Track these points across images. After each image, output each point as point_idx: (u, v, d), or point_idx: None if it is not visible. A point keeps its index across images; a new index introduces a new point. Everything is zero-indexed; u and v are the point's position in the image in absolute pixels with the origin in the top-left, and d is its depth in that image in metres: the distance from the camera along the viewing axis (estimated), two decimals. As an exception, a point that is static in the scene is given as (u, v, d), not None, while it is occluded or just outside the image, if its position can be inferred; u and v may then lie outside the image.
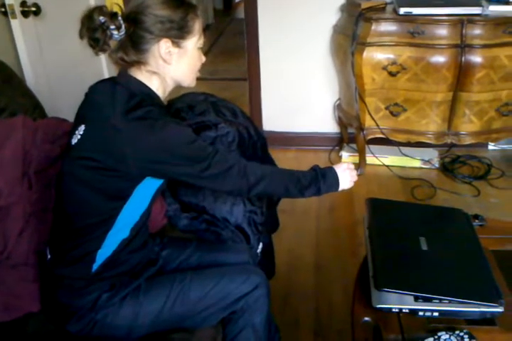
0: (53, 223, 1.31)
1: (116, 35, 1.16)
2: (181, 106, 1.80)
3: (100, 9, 1.15)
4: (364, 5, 2.48)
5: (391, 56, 2.45)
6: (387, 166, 2.91)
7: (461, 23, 2.36)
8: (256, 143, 1.79)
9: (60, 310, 1.28)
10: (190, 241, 1.50)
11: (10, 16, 2.06)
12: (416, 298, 1.20)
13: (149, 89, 1.23)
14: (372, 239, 1.36)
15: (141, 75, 1.22)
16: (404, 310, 1.20)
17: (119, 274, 1.27)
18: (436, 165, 2.92)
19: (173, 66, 1.22)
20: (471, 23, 2.36)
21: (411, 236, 1.35)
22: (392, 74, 2.47)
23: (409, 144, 2.82)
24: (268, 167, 1.37)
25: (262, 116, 3.19)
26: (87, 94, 1.28)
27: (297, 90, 3.09)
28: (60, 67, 2.23)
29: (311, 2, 2.80)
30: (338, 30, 2.74)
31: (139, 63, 1.21)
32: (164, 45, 1.18)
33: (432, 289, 1.20)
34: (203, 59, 1.29)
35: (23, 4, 2.03)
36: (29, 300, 1.34)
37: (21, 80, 1.72)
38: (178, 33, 1.19)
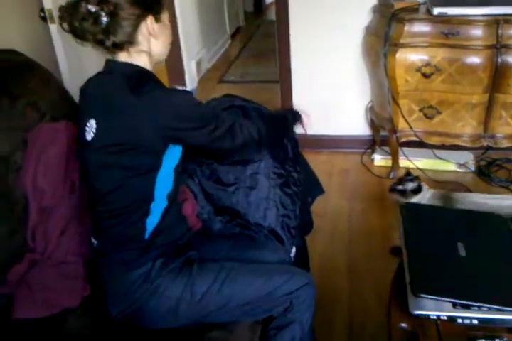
0: (93, 214, 1.35)
1: (105, 20, 1.19)
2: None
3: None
4: (397, 5, 2.45)
5: (425, 57, 2.42)
6: (421, 169, 2.86)
7: (496, 23, 2.31)
8: (287, 146, 1.78)
9: (108, 294, 1.30)
10: (227, 239, 1.52)
11: (48, 21, 2.12)
12: (454, 305, 1.18)
13: (142, 67, 1.28)
14: (408, 244, 1.34)
15: (129, 57, 1.28)
16: (442, 317, 1.18)
17: (168, 243, 1.31)
18: (472, 169, 2.86)
19: (158, 41, 1.29)
20: (508, 23, 2.30)
21: (448, 241, 1.33)
22: (425, 75, 2.44)
23: (442, 147, 2.77)
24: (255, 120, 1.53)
25: (294, 118, 3.19)
26: (83, 90, 1.32)
27: (329, 92, 3.07)
28: (95, 66, 2.27)
29: (343, 3, 2.78)
30: (370, 32, 2.72)
31: (128, 44, 1.25)
32: (150, 22, 1.25)
33: (470, 296, 1.18)
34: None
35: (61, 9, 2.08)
36: (68, 296, 1.38)
37: (61, 84, 1.76)
38: (157, 8, 1.27)
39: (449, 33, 2.35)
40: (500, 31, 2.31)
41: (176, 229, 1.35)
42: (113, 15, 1.19)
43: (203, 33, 4.62)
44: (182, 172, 1.38)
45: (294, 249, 1.65)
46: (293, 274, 1.37)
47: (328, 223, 2.47)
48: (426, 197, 1.98)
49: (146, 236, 1.29)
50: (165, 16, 1.30)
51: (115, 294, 1.29)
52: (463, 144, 2.65)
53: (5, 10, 2.02)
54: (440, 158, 2.86)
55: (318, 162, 2.94)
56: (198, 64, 4.45)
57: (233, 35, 5.94)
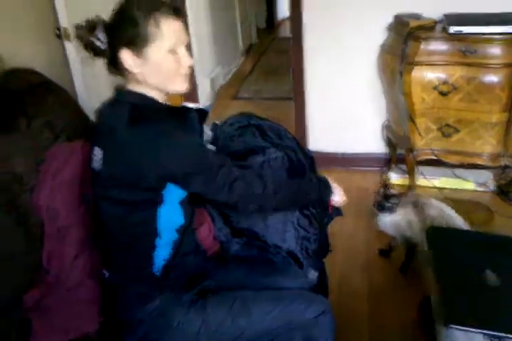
0: (101, 245, 1.34)
1: (102, 47, 1.19)
2: (226, 130, 1.79)
3: (83, 25, 1.18)
4: (413, 24, 2.43)
5: (442, 75, 2.38)
6: (438, 188, 2.81)
7: (515, 41, 2.28)
8: (305, 167, 1.75)
9: (124, 323, 1.28)
10: (243, 264, 1.49)
11: (64, 39, 2.12)
12: (485, 336, 1.13)
13: (146, 96, 1.22)
14: (435, 272, 1.30)
15: (133, 85, 1.23)
16: (472, 349, 1.13)
17: (180, 277, 1.28)
18: (492, 188, 2.81)
19: (146, 75, 1.19)
20: (526, 41, 2.27)
21: (477, 268, 1.29)
22: (443, 93, 2.41)
23: (460, 166, 2.72)
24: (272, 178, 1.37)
25: (308, 136, 3.16)
26: (96, 115, 1.30)
27: (344, 110, 3.05)
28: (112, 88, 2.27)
29: (358, 22, 2.77)
30: (386, 50, 2.70)
31: (123, 75, 1.22)
32: (126, 56, 1.17)
33: (503, 327, 1.13)
34: (187, 62, 1.22)
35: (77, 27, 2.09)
36: (86, 320, 1.36)
37: (76, 103, 1.76)
38: (135, 42, 1.16)
39: (467, 51, 2.32)
40: (518, 50, 2.28)
41: (189, 260, 1.32)
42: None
43: (217, 51, 4.64)
44: (195, 201, 1.33)
45: (316, 273, 1.60)
46: (311, 301, 1.33)
47: (345, 243, 2.42)
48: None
49: (156, 269, 1.26)
50: (155, 49, 1.17)
51: (130, 324, 1.26)
52: (482, 163, 2.60)
53: (21, 27, 2.03)
54: (458, 177, 2.81)
55: (333, 180, 2.91)
56: (212, 81, 4.46)
57: (246, 52, 5.97)
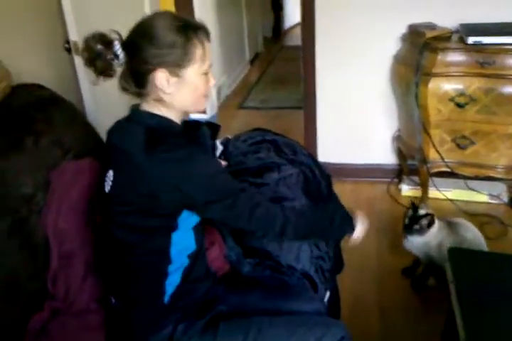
0: (109, 270, 1.28)
1: (116, 63, 1.13)
2: (240, 146, 1.74)
3: (97, 37, 1.12)
4: (429, 34, 2.38)
5: (459, 87, 2.33)
6: (451, 200, 2.75)
7: (534, 52, 2.23)
8: (320, 183, 1.70)
9: None
10: (255, 286, 1.42)
11: (73, 53, 2.08)
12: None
13: (164, 118, 1.18)
14: (460, 295, 1.23)
15: (149, 105, 1.18)
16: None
17: (190, 304, 1.23)
18: (505, 200, 2.75)
19: (174, 95, 1.16)
20: (546, 52, 2.22)
21: (503, 293, 1.22)
22: (459, 105, 2.35)
23: (473, 177, 2.66)
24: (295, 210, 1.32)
25: (318, 146, 3.11)
26: (108, 135, 1.25)
27: (354, 120, 2.99)
28: (123, 104, 2.23)
29: (370, 31, 2.72)
30: (400, 60, 2.64)
31: (142, 94, 1.17)
32: (160, 76, 1.12)
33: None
34: (212, 82, 1.22)
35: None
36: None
37: (85, 119, 1.71)
38: (176, 62, 1.12)
39: (485, 62, 2.27)
40: (537, 60, 2.23)
41: (199, 286, 1.26)
42: (125, 60, 1.14)
43: (224, 60, 4.60)
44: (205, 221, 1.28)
45: (328, 294, 1.55)
46: (328, 328, 1.26)
47: (357, 259, 2.34)
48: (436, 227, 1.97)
49: (166, 298, 1.21)
50: (191, 70, 1.15)
51: None
52: (497, 175, 2.54)
53: (30, 40, 1.99)
54: (472, 189, 2.75)
55: (343, 192, 2.81)
56: (218, 90, 4.42)
57: (252, 61, 5.93)
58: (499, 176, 2.54)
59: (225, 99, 4.69)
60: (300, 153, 1.73)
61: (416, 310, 2.04)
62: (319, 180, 1.67)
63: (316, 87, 2.93)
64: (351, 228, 1.33)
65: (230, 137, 1.88)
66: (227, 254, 1.55)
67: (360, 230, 1.34)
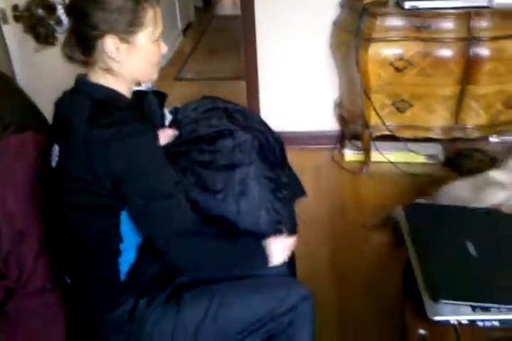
0: (60, 249, 1.24)
1: (59, 29, 1.08)
2: (190, 114, 1.71)
3: (37, 1, 1.06)
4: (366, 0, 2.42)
5: (398, 51, 2.40)
6: (392, 163, 2.86)
7: (467, 15, 2.32)
8: (275, 148, 1.71)
9: (93, 330, 1.20)
10: None
11: (1, 22, 1.95)
12: (473, 308, 1.14)
13: (110, 90, 1.14)
14: (416, 246, 1.30)
15: (97, 75, 1.13)
16: (462, 321, 1.14)
17: (149, 279, 1.21)
18: (441, 160, 2.89)
19: (125, 63, 1.11)
20: (478, 15, 2.32)
21: (457, 241, 1.30)
22: (398, 69, 2.42)
23: (413, 139, 2.78)
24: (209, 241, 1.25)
25: (261, 115, 3.11)
26: (55, 107, 1.19)
27: (296, 88, 3.01)
28: (55, 72, 2.11)
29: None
30: (340, 26, 2.67)
31: (88, 63, 1.12)
32: (110, 42, 1.08)
33: (489, 298, 1.15)
34: (164, 49, 1.18)
35: (15, 8, 1.92)
36: (52, 327, 1.26)
37: (23, 92, 1.60)
38: (125, 28, 1.07)
39: (421, 26, 2.34)
40: (471, 24, 2.32)
41: (156, 262, 1.23)
42: (69, 26, 1.08)
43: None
44: None
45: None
46: (291, 287, 1.28)
47: (309, 227, 2.38)
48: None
49: (122, 276, 1.18)
50: (142, 37, 1.10)
51: (103, 330, 1.19)
52: (435, 136, 2.66)
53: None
54: (411, 151, 2.87)
55: (288, 159, 2.88)
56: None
57: (185, 32, 5.79)
58: (436, 137, 2.66)
59: (160, 70, 4.55)
60: (252, 119, 1.72)
61: (372, 272, 2.11)
62: (273, 146, 1.67)
63: (257, 56, 2.91)
64: (263, 266, 1.29)
65: (178, 106, 1.84)
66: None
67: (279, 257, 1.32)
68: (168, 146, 1.55)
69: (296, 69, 2.95)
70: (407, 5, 2.35)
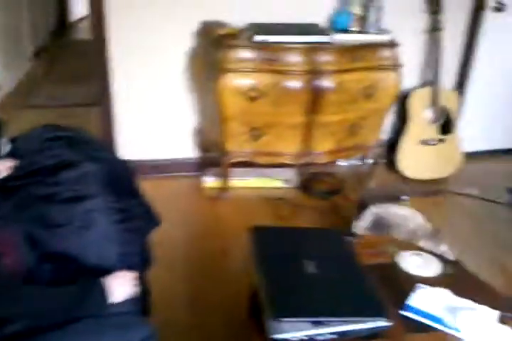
0: None
1: None
2: (30, 145, 1.61)
3: None
4: (220, 31, 2.51)
5: (250, 82, 2.50)
6: (250, 188, 2.95)
7: (312, 50, 2.50)
8: (123, 178, 1.67)
9: None
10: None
11: None
12: (312, 324, 1.21)
13: None
14: (260, 268, 1.35)
15: None
16: (302, 338, 1.20)
17: None
18: (295, 184, 3.05)
19: None
20: (322, 50, 2.51)
21: (296, 261, 1.37)
22: (252, 99, 2.53)
23: (269, 165, 2.89)
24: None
25: (117, 143, 3.02)
26: None
27: (155, 116, 2.99)
28: None
29: (165, 27, 2.73)
30: (196, 56, 2.74)
31: None
32: None
33: (325, 312, 1.23)
34: None
35: None
36: None
37: None
38: None
39: (271, 59, 2.48)
40: (315, 58, 2.51)
41: None
42: None
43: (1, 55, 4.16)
44: None
45: (139, 290, 1.52)
46: (128, 328, 1.21)
47: (164, 252, 2.32)
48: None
49: None
50: None
51: None
52: (287, 162, 2.80)
53: None
54: (267, 176, 2.99)
55: (146, 189, 2.78)
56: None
57: (36, 56, 5.48)
58: (289, 162, 2.81)
59: (5, 98, 4.23)
60: (99, 148, 1.68)
61: (228, 297, 2.11)
62: (122, 175, 1.64)
63: (111, 83, 2.85)
64: (101, 305, 1.25)
65: (18, 135, 1.73)
66: (21, 262, 1.40)
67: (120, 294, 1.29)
68: (5, 179, 1.44)
69: (154, 97, 2.94)
70: (257, 38, 2.48)
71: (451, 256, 1.74)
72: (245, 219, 2.66)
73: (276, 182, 3.03)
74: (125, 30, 2.74)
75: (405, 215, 2.10)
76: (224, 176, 2.85)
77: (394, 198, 2.92)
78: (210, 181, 3.00)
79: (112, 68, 2.81)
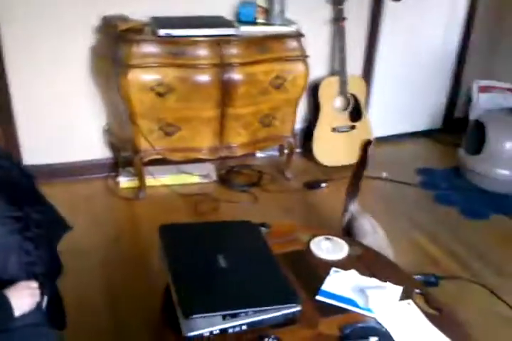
0: None
1: None
2: None
3: None
4: (121, 26, 2.44)
5: (157, 77, 2.45)
6: (168, 186, 2.90)
7: (218, 43, 2.49)
8: (21, 185, 1.58)
9: None
10: None
11: None
12: (224, 317, 1.20)
13: None
14: (171, 267, 1.32)
15: None
16: (214, 332, 1.19)
17: None
18: (214, 178, 3.03)
19: None
20: (227, 43, 2.50)
21: (208, 256, 1.36)
22: (160, 94, 2.48)
23: (185, 161, 2.86)
24: None
25: (21, 149, 2.85)
26: None
27: (59, 118, 2.85)
28: None
29: (62, 25, 2.61)
30: (97, 53, 2.64)
31: None
32: None
33: (235, 304, 1.22)
34: None
35: None
36: None
37: None
38: None
39: (177, 53, 2.44)
40: (222, 51, 2.50)
41: None
42: None
43: None
44: None
45: (45, 299, 1.45)
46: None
47: (79, 258, 2.25)
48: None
49: None
50: None
51: None
52: (203, 157, 2.78)
53: None
54: (184, 172, 2.95)
55: (56, 194, 2.60)
56: None
57: None
58: (205, 157, 2.78)
59: None
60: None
61: (149, 299, 2.06)
62: (19, 182, 1.54)
63: (8, 86, 2.68)
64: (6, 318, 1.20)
65: None
66: None
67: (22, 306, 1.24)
68: None
69: (57, 98, 2.80)
70: (161, 32, 2.43)
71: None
72: (164, 218, 2.54)
73: (194, 177, 2.99)
74: (19, 36, 2.59)
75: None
76: (139, 175, 2.78)
77: (314, 186, 3.00)
78: (124, 181, 2.92)
79: (8, 70, 2.65)
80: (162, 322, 1.28)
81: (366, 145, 1.98)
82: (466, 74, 3.72)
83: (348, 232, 2.05)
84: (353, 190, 2.12)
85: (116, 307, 2.05)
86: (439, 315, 1.36)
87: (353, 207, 2.11)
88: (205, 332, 1.18)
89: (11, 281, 1.33)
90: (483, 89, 3.57)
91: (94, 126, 2.93)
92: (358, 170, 2.06)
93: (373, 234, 1.98)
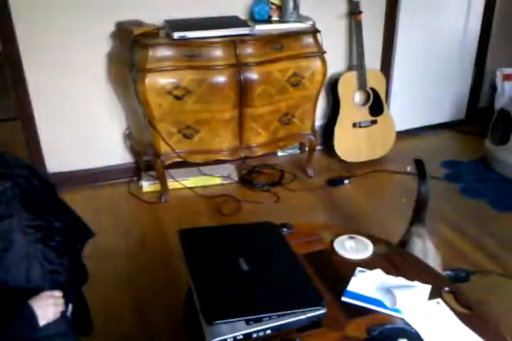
0: None
1: None
2: None
3: None
4: (136, 31, 2.44)
5: (173, 80, 2.45)
6: (190, 188, 2.90)
7: (233, 43, 2.47)
8: (42, 194, 1.59)
9: None
10: None
11: None
12: (247, 321, 1.18)
13: None
14: (192, 272, 1.31)
15: None
16: (238, 337, 1.17)
17: None
18: (236, 179, 3.02)
19: None
20: (242, 42, 2.48)
21: (230, 259, 1.34)
22: (178, 97, 2.47)
23: (206, 163, 2.86)
24: None
25: (44, 157, 2.88)
26: None
27: (80, 125, 2.88)
28: None
29: (79, 31, 2.64)
30: (114, 59, 2.65)
31: None
32: None
33: (259, 308, 1.20)
34: None
35: None
36: None
37: None
38: None
39: (192, 55, 2.43)
40: (237, 51, 2.48)
41: None
42: None
43: None
44: None
45: (70, 307, 1.46)
46: None
47: (106, 265, 2.27)
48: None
49: None
50: None
51: None
52: (224, 158, 2.77)
53: None
54: (206, 174, 2.95)
55: (80, 200, 2.70)
56: None
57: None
58: (225, 158, 2.77)
59: None
60: (15, 165, 1.58)
61: (175, 304, 2.07)
62: (40, 191, 1.55)
63: (30, 95, 2.72)
64: (31, 328, 1.20)
65: None
66: None
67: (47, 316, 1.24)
68: None
69: (77, 105, 2.82)
70: (176, 35, 2.42)
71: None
72: (187, 220, 2.62)
73: (215, 179, 2.99)
74: (36, 41, 2.62)
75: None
76: (161, 179, 2.78)
77: (337, 183, 2.97)
78: (147, 185, 2.93)
79: (28, 80, 2.68)
80: (184, 329, 1.27)
81: (418, 164, 1.93)
82: (489, 63, 3.63)
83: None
84: (415, 211, 2.06)
85: (142, 313, 2.05)
86: (470, 314, 1.31)
87: (415, 228, 2.01)
88: (229, 337, 1.16)
89: (35, 290, 1.34)
90: (508, 78, 3.48)
91: (114, 132, 2.95)
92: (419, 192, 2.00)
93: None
